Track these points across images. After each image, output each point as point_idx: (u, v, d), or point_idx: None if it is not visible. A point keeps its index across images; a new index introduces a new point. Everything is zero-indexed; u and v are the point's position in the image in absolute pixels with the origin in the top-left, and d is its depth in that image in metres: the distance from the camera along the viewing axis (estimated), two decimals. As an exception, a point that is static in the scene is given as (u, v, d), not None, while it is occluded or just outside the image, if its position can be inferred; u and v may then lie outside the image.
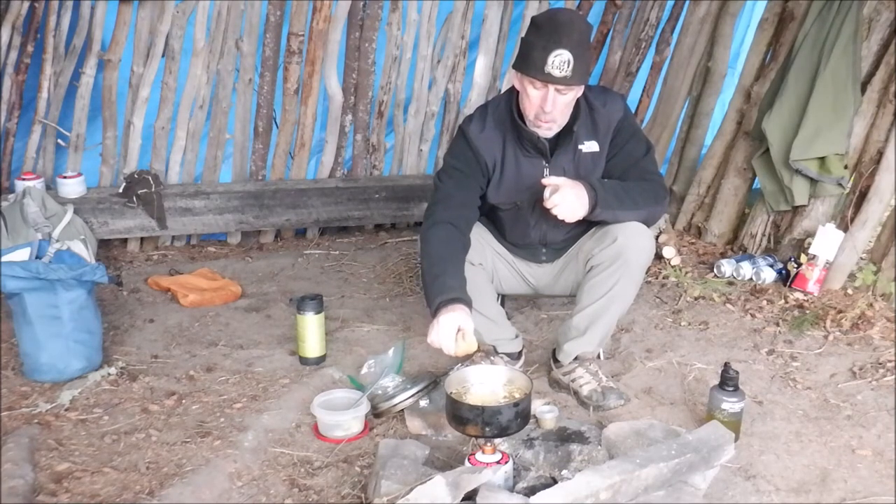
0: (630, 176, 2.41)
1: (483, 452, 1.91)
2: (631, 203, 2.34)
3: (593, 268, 2.42)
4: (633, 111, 4.37)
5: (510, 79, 2.37)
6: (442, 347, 2.14)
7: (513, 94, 2.40)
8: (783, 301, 3.21)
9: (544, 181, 2.27)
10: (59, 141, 3.69)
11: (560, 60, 2.17)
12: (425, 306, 3.19)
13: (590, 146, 2.42)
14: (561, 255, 2.63)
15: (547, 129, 2.35)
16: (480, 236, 2.52)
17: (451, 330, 2.13)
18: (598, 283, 2.40)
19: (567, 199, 2.22)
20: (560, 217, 2.25)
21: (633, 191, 2.37)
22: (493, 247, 2.60)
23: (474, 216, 2.47)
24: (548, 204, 2.23)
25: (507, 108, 2.43)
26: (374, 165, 4.15)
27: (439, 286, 2.22)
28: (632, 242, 2.35)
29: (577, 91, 2.31)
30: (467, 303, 2.19)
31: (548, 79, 2.20)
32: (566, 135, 2.38)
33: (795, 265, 3.34)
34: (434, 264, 2.29)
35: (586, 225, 2.49)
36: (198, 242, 3.97)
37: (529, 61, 2.22)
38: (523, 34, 2.33)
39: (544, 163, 2.42)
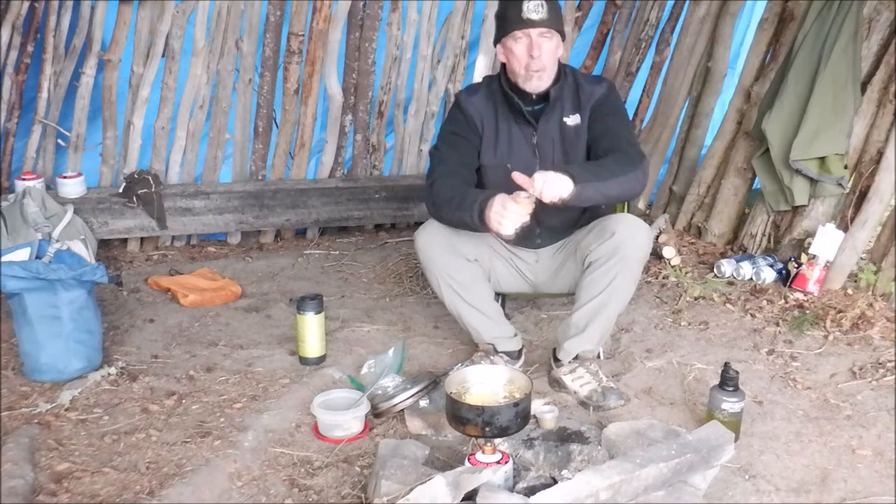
0: (604, 143, 2.45)
1: (483, 452, 1.91)
2: (607, 172, 2.31)
3: (591, 264, 2.42)
4: (634, 111, 4.39)
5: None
6: (515, 213, 2.16)
7: (502, 70, 2.51)
8: (783, 301, 3.21)
9: (514, 175, 2.24)
10: (59, 141, 3.69)
11: (534, 4, 2.34)
12: (426, 306, 3.23)
13: (573, 119, 2.51)
14: (557, 239, 2.64)
15: (539, 79, 2.42)
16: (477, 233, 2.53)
17: (507, 200, 2.16)
18: (596, 278, 2.40)
19: (548, 177, 2.20)
20: (552, 196, 2.19)
21: (605, 163, 2.37)
22: (490, 243, 2.60)
23: (473, 178, 2.53)
24: (536, 191, 2.19)
25: (497, 82, 2.54)
26: (374, 165, 4.16)
27: (472, 197, 2.27)
28: (629, 238, 2.36)
29: (558, 41, 2.42)
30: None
31: (528, 24, 2.35)
32: (551, 105, 2.48)
33: (795, 265, 3.34)
34: (454, 195, 2.34)
35: (580, 209, 2.55)
36: (198, 242, 3.97)
37: (507, 20, 2.39)
38: (495, 13, 2.53)
39: (532, 131, 2.50)
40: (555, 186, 2.19)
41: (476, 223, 2.25)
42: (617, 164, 2.34)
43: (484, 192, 2.31)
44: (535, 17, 2.34)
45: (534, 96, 2.47)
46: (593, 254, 2.41)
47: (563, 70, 2.50)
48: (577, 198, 2.24)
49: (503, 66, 2.50)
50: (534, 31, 2.36)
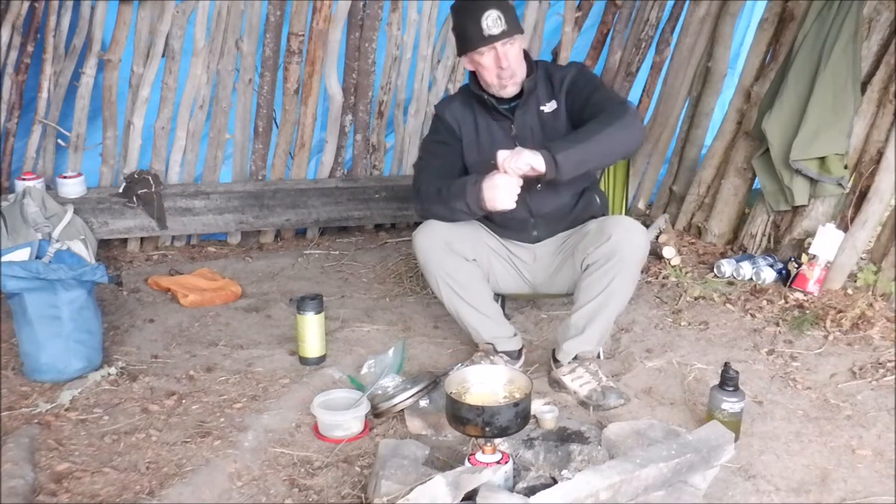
0: (587, 113, 2.45)
1: (483, 452, 1.91)
2: (586, 133, 2.32)
3: (589, 266, 2.43)
4: (633, 111, 4.38)
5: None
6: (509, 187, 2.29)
7: (472, 75, 2.56)
8: (783, 301, 3.21)
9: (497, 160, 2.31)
10: (59, 141, 3.69)
11: (492, 19, 2.36)
12: (426, 306, 3.23)
13: (550, 106, 2.55)
14: (553, 231, 2.64)
15: (513, 85, 2.47)
16: (474, 232, 2.55)
17: (495, 175, 2.29)
18: (594, 280, 2.41)
19: (515, 153, 2.27)
20: (521, 164, 2.25)
21: (586, 126, 2.37)
22: (488, 242, 2.61)
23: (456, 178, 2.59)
24: (509, 169, 2.27)
25: (470, 89, 2.58)
26: (374, 165, 4.16)
27: (460, 183, 2.39)
28: (626, 240, 2.37)
29: (520, 42, 2.46)
30: None
31: (490, 40, 2.38)
32: (525, 98, 2.51)
33: (796, 265, 3.34)
34: (440, 187, 2.44)
35: (571, 196, 2.59)
36: (198, 242, 3.97)
37: (469, 37, 2.42)
38: (451, 27, 2.55)
39: (510, 124, 2.54)
40: (522, 157, 2.24)
41: (473, 206, 2.34)
42: (598, 123, 2.35)
43: (471, 176, 2.40)
44: (496, 31, 2.37)
45: None
46: (590, 256, 2.42)
47: (533, 64, 2.54)
48: (563, 167, 2.25)
49: (472, 72, 2.54)
50: (497, 44, 2.38)
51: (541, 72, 2.56)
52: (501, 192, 2.29)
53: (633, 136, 2.40)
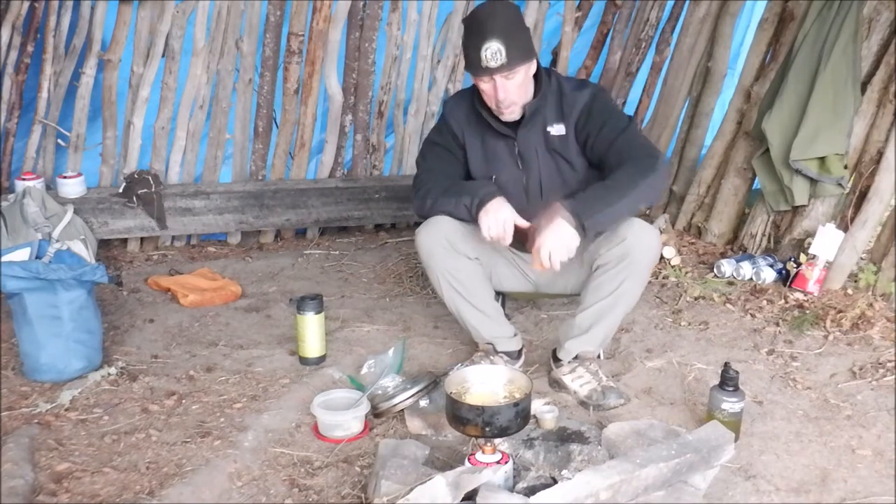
0: (613, 154, 2.39)
1: (483, 452, 1.91)
2: (617, 194, 2.28)
3: (600, 267, 2.42)
4: (634, 111, 4.38)
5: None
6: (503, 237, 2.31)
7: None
8: (783, 301, 3.21)
9: (535, 264, 2.27)
10: (59, 141, 3.69)
11: (491, 52, 2.27)
12: (426, 306, 3.23)
13: (558, 129, 2.48)
14: None
15: (510, 113, 2.42)
16: (477, 231, 2.53)
17: (509, 222, 2.30)
18: (603, 282, 2.40)
19: (548, 238, 2.21)
20: (560, 258, 2.21)
21: (616, 179, 2.31)
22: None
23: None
24: (542, 259, 2.21)
25: (475, 98, 2.53)
26: (374, 165, 4.16)
27: (471, 186, 2.40)
28: (639, 242, 2.35)
29: (526, 69, 2.36)
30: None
31: (487, 72, 2.31)
32: (530, 117, 2.45)
33: (795, 265, 3.34)
34: (450, 185, 2.43)
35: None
36: (198, 242, 3.97)
37: (469, 62, 2.36)
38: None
39: (514, 142, 2.50)
40: (559, 242, 2.19)
41: (473, 212, 2.34)
42: (629, 177, 2.30)
43: (485, 185, 2.38)
44: (493, 65, 2.27)
45: None
46: (602, 257, 2.41)
47: (544, 79, 2.45)
48: (588, 233, 2.23)
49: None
50: (497, 76, 2.31)
51: (553, 89, 2.46)
52: (499, 235, 2.30)
53: (659, 191, 2.40)
